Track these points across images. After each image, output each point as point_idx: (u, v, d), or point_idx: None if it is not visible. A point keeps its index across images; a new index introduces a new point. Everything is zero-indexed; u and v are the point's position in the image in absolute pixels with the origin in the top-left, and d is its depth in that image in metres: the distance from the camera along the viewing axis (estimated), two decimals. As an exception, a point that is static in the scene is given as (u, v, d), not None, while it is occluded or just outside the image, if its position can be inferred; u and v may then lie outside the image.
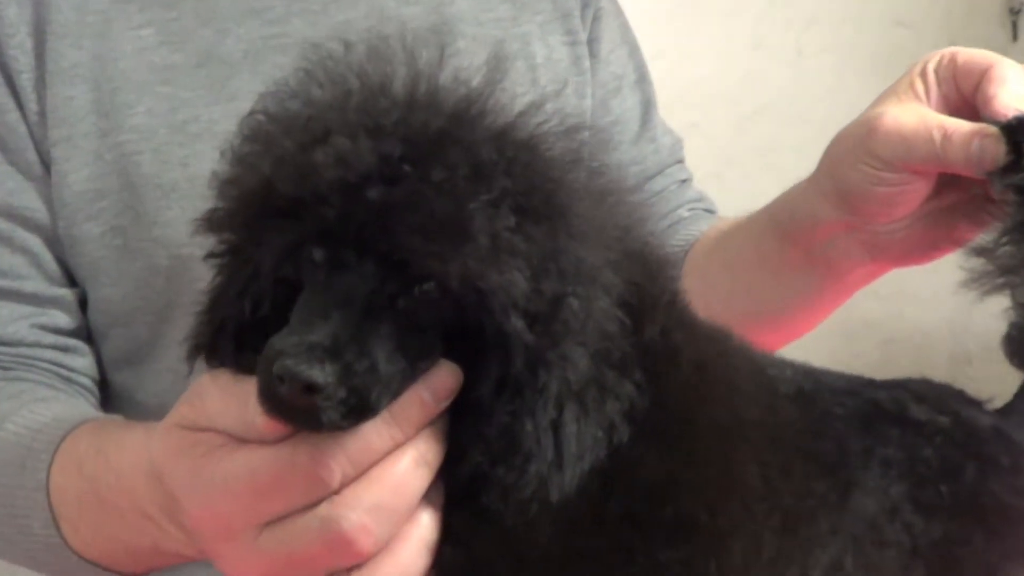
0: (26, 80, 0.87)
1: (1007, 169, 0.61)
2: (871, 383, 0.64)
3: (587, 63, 1.01)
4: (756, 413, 0.58)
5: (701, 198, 1.06)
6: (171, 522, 0.62)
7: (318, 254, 0.50)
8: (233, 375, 0.55)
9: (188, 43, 0.89)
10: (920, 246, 0.74)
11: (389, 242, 0.48)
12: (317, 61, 0.53)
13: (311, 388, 0.48)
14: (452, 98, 0.52)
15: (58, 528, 0.75)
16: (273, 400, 0.49)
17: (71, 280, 0.91)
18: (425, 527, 0.53)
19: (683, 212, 1.03)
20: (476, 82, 0.53)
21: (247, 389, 0.51)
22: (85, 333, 0.92)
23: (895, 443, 0.60)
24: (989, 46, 2.05)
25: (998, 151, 0.62)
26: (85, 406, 0.87)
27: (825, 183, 0.75)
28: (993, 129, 0.63)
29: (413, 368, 0.51)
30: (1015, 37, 2.35)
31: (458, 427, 0.52)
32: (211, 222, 0.54)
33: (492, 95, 0.53)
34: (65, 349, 0.90)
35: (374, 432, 0.50)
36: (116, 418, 0.82)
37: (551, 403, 0.50)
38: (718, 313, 0.76)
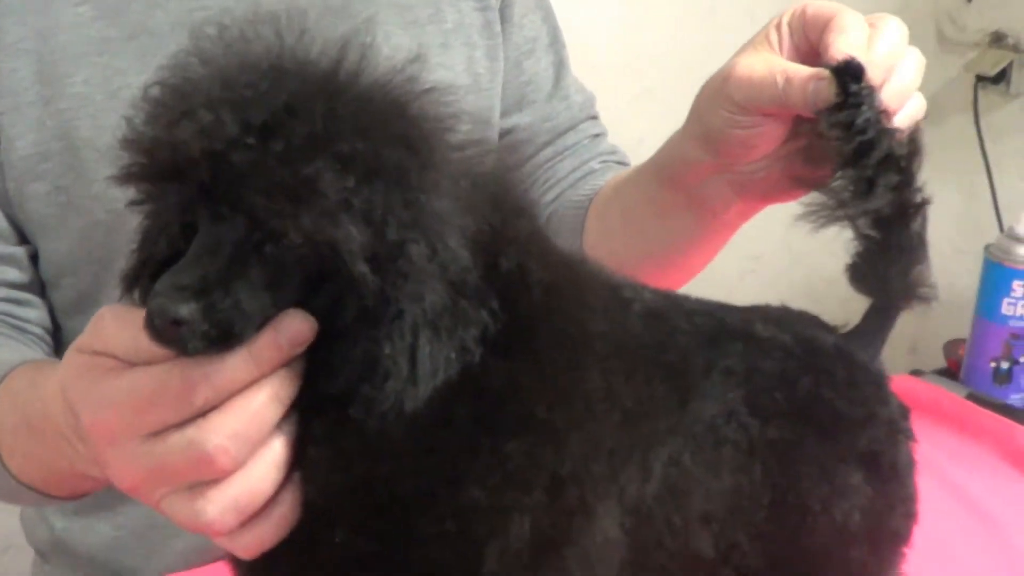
0: None
1: (834, 108, 0.68)
2: (728, 307, 0.71)
3: (498, 27, 1.08)
4: (604, 326, 0.63)
5: (614, 151, 1.13)
6: (79, 440, 0.69)
7: (201, 209, 0.58)
8: (129, 307, 0.62)
9: (121, 17, 0.96)
10: (781, 185, 0.81)
11: (247, 202, 0.55)
12: (202, 39, 0.60)
13: (177, 322, 0.55)
14: (310, 69, 0.58)
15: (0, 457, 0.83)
16: (151, 330, 0.56)
17: (22, 238, 0.98)
18: (277, 451, 0.59)
19: (594, 164, 1.11)
20: (344, 52, 0.59)
21: (138, 318, 0.57)
22: (37, 286, 1.00)
23: (737, 356, 0.66)
24: (943, 6, 2.14)
25: (829, 92, 0.68)
26: (32, 352, 0.95)
27: (694, 128, 0.83)
28: (826, 72, 0.70)
29: (278, 305, 0.58)
30: None
31: (331, 350, 0.58)
32: (125, 177, 0.61)
33: (356, 65, 0.59)
34: (17, 302, 0.98)
35: (234, 366, 0.57)
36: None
37: (407, 331, 0.56)
38: (619, 255, 0.82)
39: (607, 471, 0.62)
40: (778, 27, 0.77)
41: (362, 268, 0.56)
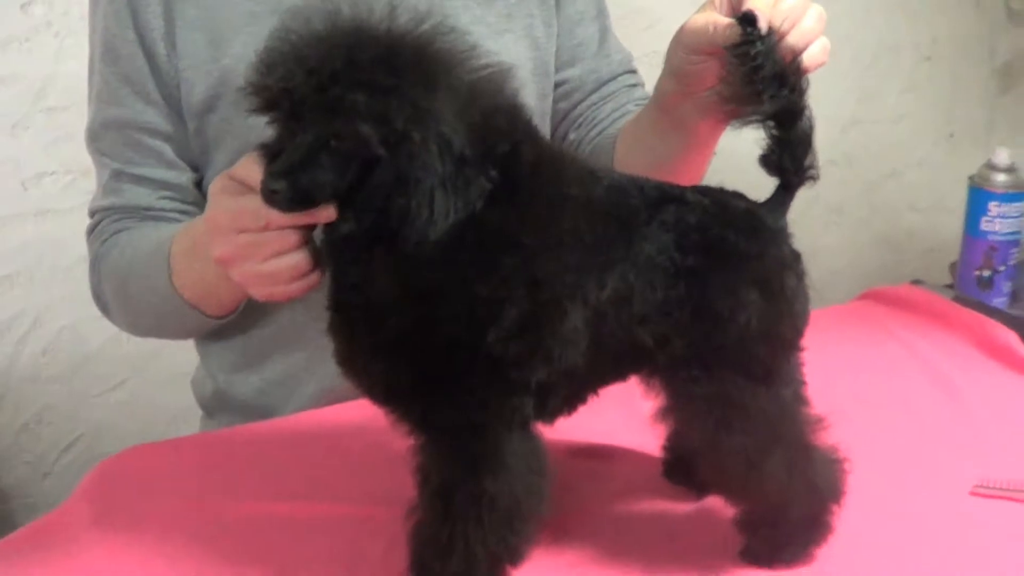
0: (156, 35, 1.28)
1: (737, 44, 0.96)
2: (672, 184, 1.00)
3: (552, 1, 1.39)
4: (576, 191, 0.93)
5: (646, 97, 1.43)
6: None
7: (289, 124, 0.89)
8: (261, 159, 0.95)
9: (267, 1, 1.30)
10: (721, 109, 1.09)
11: (308, 117, 0.87)
12: (296, 20, 0.90)
13: (274, 191, 0.88)
14: (345, 30, 0.88)
15: (170, 277, 1.21)
16: (263, 195, 0.89)
17: (193, 166, 1.33)
18: (299, 257, 1.01)
19: (630, 107, 1.41)
20: (380, 16, 0.88)
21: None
22: (201, 200, 1.35)
23: (671, 212, 0.95)
24: None
25: (734, 34, 0.97)
26: None
27: (666, 68, 1.13)
28: (734, 21, 0.98)
29: (340, 182, 0.88)
30: None
31: (385, 203, 0.88)
32: (248, 109, 0.92)
33: (387, 23, 0.88)
34: (184, 212, 1.33)
35: (280, 216, 0.94)
36: None
37: (425, 190, 0.86)
38: (636, 169, 1.12)
39: (574, 281, 0.91)
40: None
41: (379, 150, 0.86)
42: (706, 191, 0.99)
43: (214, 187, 1.04)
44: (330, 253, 0.96)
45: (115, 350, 2.10)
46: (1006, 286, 1.73)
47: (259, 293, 1.05)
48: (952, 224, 2.17)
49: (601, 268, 0.93)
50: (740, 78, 0.96)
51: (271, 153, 0.93)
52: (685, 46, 1.07)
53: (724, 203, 0.98)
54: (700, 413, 0.98)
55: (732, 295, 0.95)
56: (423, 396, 0.93)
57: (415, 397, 0.94)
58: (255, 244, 1.00)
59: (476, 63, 0.91)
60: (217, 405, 1.44)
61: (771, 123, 0.97)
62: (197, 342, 1.47)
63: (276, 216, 0.94)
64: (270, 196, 0.88)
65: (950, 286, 1.80)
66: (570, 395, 1.00)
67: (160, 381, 2.13)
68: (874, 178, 2.64)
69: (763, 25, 0.95)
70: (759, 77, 0.95)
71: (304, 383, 1.38)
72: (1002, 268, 1.70)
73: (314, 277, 1.02)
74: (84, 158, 1.70)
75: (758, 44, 0.94)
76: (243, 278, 1.03)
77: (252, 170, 0.97)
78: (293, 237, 0.98)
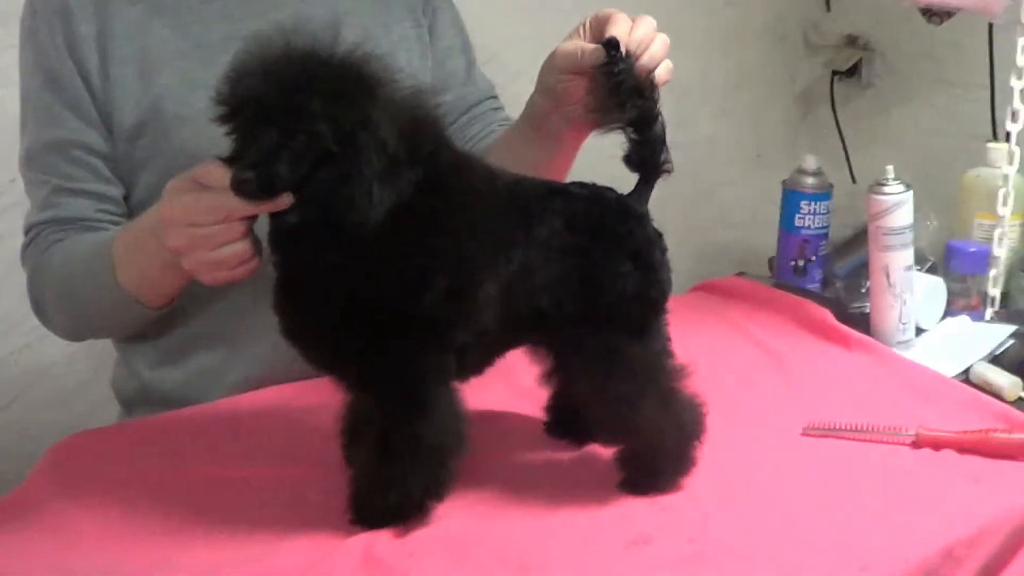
0: (92, 67, 1.45)
1: (603, 64, 1.17)
2: (557, 182, 1.22)
3: (427, 38, 1.63)
4: (482, 185, 1.13)
5: (508, 119, 1.67)
6: (160, 227, 1.22)
7: (254, 127, 1.06)
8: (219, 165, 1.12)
9: (190, 36, 1.47)
10: (589, 118, 1.29)
11: (273, 120, 1.04)
12: (259, 41, 1.08)
13: (242, 181, 1.05)
14: (305, 52, 1.06)
15: (113, 273, 1.36)
16: (232, 185, 1.06)
17: (122, 183, 1.50)
18: (242, 246, 1.18)
19: (494, 127, 1.64)
20: (322, 45, 1.07)
21: (223, 171, 1.09)
22: (128, 214, 1.51)
23: (559, 202, 1.17)
24: (808, 17, 2.63)
25: (599, 56, 1.18)
26: None
27: (539, 86, 1.36)
28: (600, 46, 1.19)
29: (297, 173, 1.05)
30: (828, 9, 2.82)
31: (333, 196, 1.06)
32: (216, 116, 1.10)
33: (329, 49, 1.07)
34: (115, 223, 1.49)
35: (238, 204, 1.09)
36: None
37: (364, 181, 1.04)
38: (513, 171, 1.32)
39: (488, 257, 1.12)
40: (583, 25, 1.30)
41: (332, 147, 1.04)
42: (584, 185, 1.21)
43: (170, 186, 1.20)
44: (277, 240, 1.13)
45: (3, 372, 2.18)
46: (817, 273, 2.01)
47: (208, 279, 1.21)
48: (763, 237, 2.38)
49: (508, 247, 1.14)
50: (606, 92, 1.18)
51: (228, 160, 1.11)
52: (558, 67, 1.30)
53: (600, 194, 1.21)
54: (588, 364, 1.19)
55: (611, 266, 1.17)
56: (367, 358, 1.12)
57: (359, 359, 1.13)
58: (206, 236, 1.17)
59: (402, 82, 1.11)
60: (139, 399, 1.59)
61: (631, 128, 1.18)
62: (118, 343, 1.62)
63: (238, 205, 1.09)
64: (239, 185, 1.06)
65: (770, 278, 2.08)
66: (483, 356, 1.21)
67: (47, 402, 2.22)
68: (690, 197, 2.83)
69: (633, 50, 1.18)
70: (621, 90, 1.16)
71: (223, 375, 1.54)
72: (813, 258, 1.98)
73: (254, 263, 1.20)
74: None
75: (620, 64, 1.17)
76: (194, 265, 1.20)
77: (211, 171, 1.13)
78: (239, 228, 1.16)
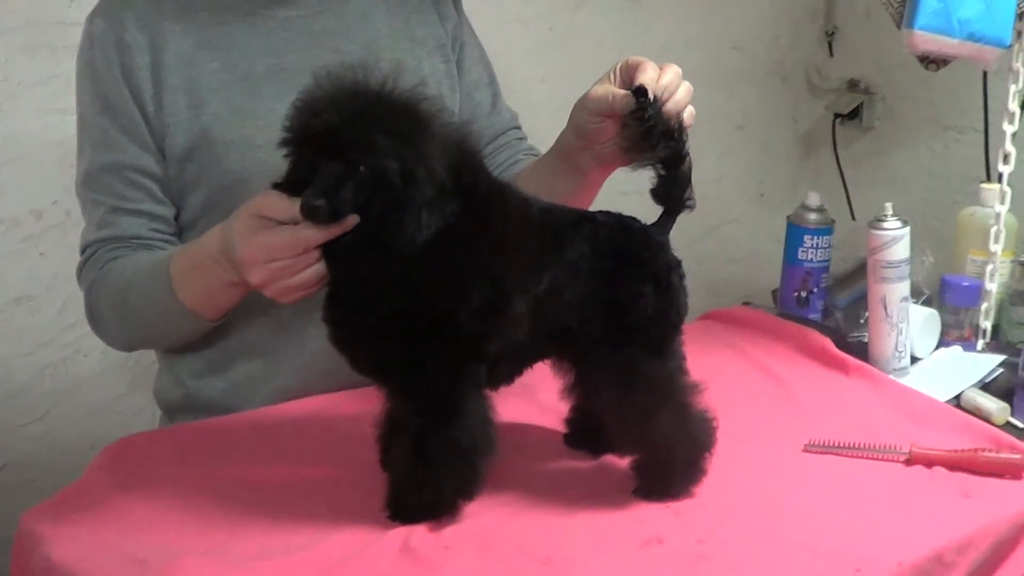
0: (147, 96, 1.55)
1: (634, 111, 1.27)
2: (585, 210, 1.33)
3: (455, 72, 1.74)
4: (518, 212, 1.24)
5: (532, 148, 1.78)
6: (229, 262, 1.32)
7: (322, 157, 1.17)
8: (281, 196, 1.22)
9: (236, 69, 1.57)
10: (618, 157, 1.41)
11: (343, 152, 1.14)
12: (321, 77, 1.19)
13: (314, 207, 1.15)
14: (371, 90, 1.17)
15: (171, 290, 1.46)
16: (303, 210, 1.16)
17: (173, 204, 1.60)
18: (317, 268, 1.24)
19: (520, 156, 1.75)
20: (385, 83, 1.17)
21: (288, 202, 1.19)
22: (178, 232, 1.61)
23: (587, 229, 1.27)
24: (811, 61, 2.73)
25: (630, 102, 1.28)
26: None
27: (570, 125, 1.46)
28: (630, 92, 1.30)
29: (360, 201, 1.16)
30: (831, 54, 2.93)
31: (386, 221, 1.17)
32: (284, 142, 1.19)
33: (390, 87, 1.17)
34: (167, 241, 1.59)
35: (313, 235, 1.20)
36: None
37: (415, 208, 1.15)
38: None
39: (519, 278, 1.22)
40: (614, 70, 1.40)
41: (397, 181, 1.15)
42: (609, 214, 1.32)
43: (238, 226, 1.29)
44: (330, 257, 1.23)
45: (39, 386, 2.26)
46: (819, 304, 2.10)
47: (286, 300, 1.30)
48: (765, 271, 2.48)
49: (539, 268, 1.24)
50: (638, 134, 1.27)
51: (286, 185, 1.22)
52: (589, 110, 1.41)
53: (624, 222, 1.31)
54: (610, 378, 1.29)
55: (633, 289, 1.28)
56: (408, 365, 1.23)
57: (401, 366, 1.23)
58: (285, 267, 1.25)
59: (448, 119, 1.23)
60: (183, 407, 1.69)
61: (659, 166, 1.29)
62: (162, 355, 1.71)
63: (314, 235, 1.19)
64: (312, 211, 1.16)
65: (774, 308, 2.18)
66: (512, 367, 1.31)
67: (79, 416, 2.29)
68: (697, 233, 2.91)
69: (660, 96, 1.28)
70: (653, 133, 1.26)
71: (261, 385, 1.64)
72: (815, 290, 2.07)
73: (327, 278, 1.28)
74: (18, 210, 1.99)
75: (649, 110, 1.26)
76: (276, 293, 1.29)
77: (272, 203, 1.23)
78: (315, 254, 1.24)
